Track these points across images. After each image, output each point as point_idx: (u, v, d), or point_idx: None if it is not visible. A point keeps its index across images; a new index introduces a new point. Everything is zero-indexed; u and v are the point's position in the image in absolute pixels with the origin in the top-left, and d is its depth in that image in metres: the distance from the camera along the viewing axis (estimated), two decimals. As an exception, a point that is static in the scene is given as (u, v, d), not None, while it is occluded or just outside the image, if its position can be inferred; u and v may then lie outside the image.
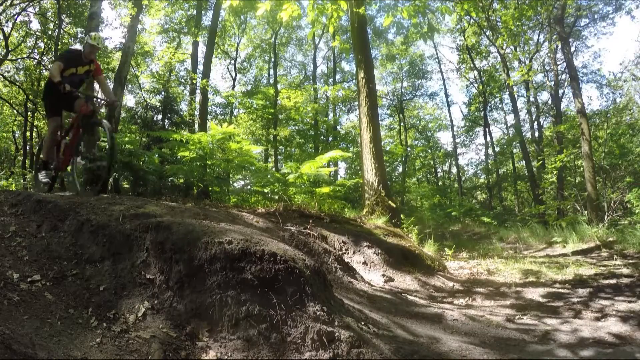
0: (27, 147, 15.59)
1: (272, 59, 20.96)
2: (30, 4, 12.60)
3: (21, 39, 14.22)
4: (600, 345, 1.76)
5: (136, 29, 9.37)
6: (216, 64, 21.14)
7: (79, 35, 13.05)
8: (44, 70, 14.46)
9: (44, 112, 4.72)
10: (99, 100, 4.08)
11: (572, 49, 14.78)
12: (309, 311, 1.41)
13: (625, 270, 3.31)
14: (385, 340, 1.46)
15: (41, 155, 3.87)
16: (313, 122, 18.72)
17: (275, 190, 5.99)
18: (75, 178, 3.66)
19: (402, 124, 21.92)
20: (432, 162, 22.83)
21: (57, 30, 13.20)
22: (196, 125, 13.38)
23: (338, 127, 21.04)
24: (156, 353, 1.29)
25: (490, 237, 7.01)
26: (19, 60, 14.51)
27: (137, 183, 5.90)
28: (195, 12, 15.15)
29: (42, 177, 3.76)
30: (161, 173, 5.97)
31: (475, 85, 19.84)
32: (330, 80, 21.73)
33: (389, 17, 5.43)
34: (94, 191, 3.29)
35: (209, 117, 16.09)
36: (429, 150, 22.12)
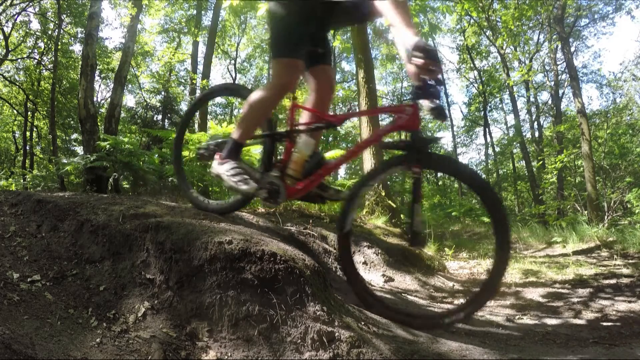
0: (27, 147, 15.59)
1: (272, 59, 20.95)
2: (30, 4, 12.61)
3: (21, 39, 14.23)
4: (601, 345, 1.76)
5: (136, 29, 9.37)
6: (216, 64, 21.17)
7: (79, 35, 13.06)
8: (44, 70, 14.48)
9: None
10: None
11: (572, 49, 14.78)
12: (309, 311, 1.41)
13: (625, 270, 3.31)
14: (385, 340, 1.46)
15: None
16: (313, 122, 18.69)
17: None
18: None
19: (402, 123, 21.89)
20: (432, 162, 22.79)
21: (57, 30, 13.20)
22: (196, 125, 13.39)
23: (338, 127, 21.02)
24: (156, 353, 1.29)
25: (491, 237, 7.01)
26: (19, 60, 14.51)
27: (137, 183, 5.91)
28: (195, 12, 15.16)
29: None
30: (161, 173, 5.97)
31: (475, 85, 19.85)
32: (330, 80, 21.69)
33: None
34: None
35: (209, 117, 16.09)
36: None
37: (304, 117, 2.13)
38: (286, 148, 2.07)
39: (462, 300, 2.27)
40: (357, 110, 6.62)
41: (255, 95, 1.99)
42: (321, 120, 2.02)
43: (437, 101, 1.62)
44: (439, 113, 1.63)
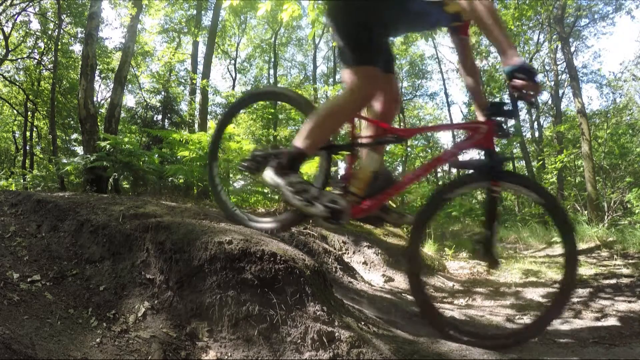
0: (27, 147, 15.59)
1: (272, 59, 20.97)
2: (30, 4, 12.61)
3: (21, 39, 14.24)
4: (601, 345, 1.76)
5: (136, 29, 9.38)
6: (216, 64, 21.17)
7: (79, 35, 13.07)
8: (44, 70, 14.49)
9: None
10: None
11: (572, 49, 14.78)
12: (309, 311, 1.41)
13: (625, 270, 3.31)
14: (385, 340, 1.46)
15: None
16: (313, 122, 18.69)
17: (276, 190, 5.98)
18: None
19: (402, 124, 21.92)
20: (432, 162, 22.80)
21: (57, 30, 13.20)
22: (196, 125, 13.40)
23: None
24: (156, 353, 1.29)
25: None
26: (19, 60, 14.51)
27: (137, 183, 5.91)
28: (195, 12, 15.16)
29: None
30: (161, 173, 5.97)
31: (475, 85, 19.81)
32: (331, 80, 21.73)
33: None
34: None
35: (209, 117, 16.09)
36: (429, 150, 22.12)
37: (367, 130, 1.95)
38: (347, 163, 1.90)
39: (527, 320, 2.18)
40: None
41: (330, 104, 1.83)
42: (388, 133, 1.85)
43: (511, 121, 1.64)
44: (506, 133, 1.69)
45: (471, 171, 1.73)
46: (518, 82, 1.50)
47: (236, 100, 2.49)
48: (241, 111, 2.79)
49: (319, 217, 1.75)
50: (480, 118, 1.89)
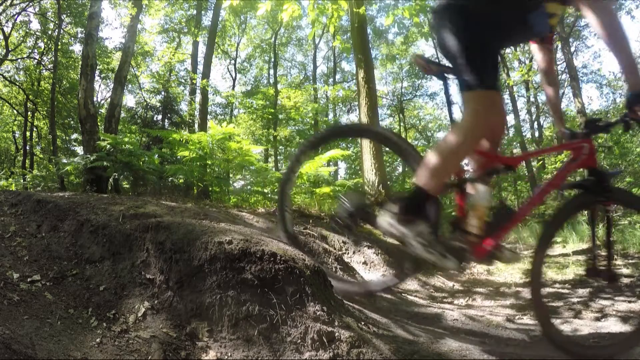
0: (27, 147, 15.59)
1: (272, 59, 20.97)
2: (30, 4, 12.62)
3: (21, 39, 14.23)
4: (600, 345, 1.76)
5: (136, 29, 9.38)
6: (216, 64, 21.16)
7: (79, 35, 13.07)
8: (44, 70, 14.49)
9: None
10: None
11: (572, 49, 14.78)
12: (309, 311, 1.41)
13: (625, 270, 3.31)
14: (385, 340, 1.46)
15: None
16: (313, 122, 18.72)
17: (276, 190, 5.99)
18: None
19: (402, 124, 21.93)
20: (432, 162, 22.77)
21: (57, 30, 13.20)
22: (196, 125, 13.39)
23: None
24: (156, 353, 1.29)
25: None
26: (19, 60, 14.51)
27: (137, 183, 5.91)
28: (195, 12, 15.15)
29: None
30: (161, 173, 5.98)
31: (476, 85, 19.80)
32: (331, 80, 21.74)
33: (390, 16, 5.43)
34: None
35: (209, 117, 16.09)
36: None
37: (472, 161, 1.77)
38: (458, 202, 1.72)
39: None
40: (358, 109, 6.62)
41: (453, 138, 1.58)
42: (497, 163, 1.69)
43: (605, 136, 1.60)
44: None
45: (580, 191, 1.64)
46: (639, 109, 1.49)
47: (326, 131, 2.11)
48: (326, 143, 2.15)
49: (449, 268, 1.65)
50: (562, 129, 1.83)
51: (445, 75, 1.80)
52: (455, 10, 1.60)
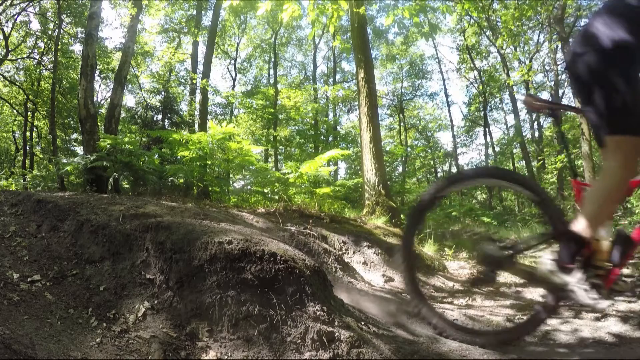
0: (27, 147, 15.58)
1: (272, 59, 20.96)
2: (30, 4, 12.61)
3: (21, 39, 14.23)
4: (601, 346, 1.76)
5: (136, 29, 9.37)
6: (216, 64, 21.15)
7: (79, 35, 13.07)
8: (44, 70, 14.49)
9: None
10: None
11: (572, 49, 14.72)
12: (309, 311, 1.41)
13: (625, 270, 3.30)
14: (385, 340, 1.46)
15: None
16: (313, 122, 18.72)
17: (275, 190, 6.00)
18: None
19: (402, 124, 21.92)
20: (432, 162, 22.84)
21: (57, 30, 13.20)
22: (196, 125, 13.39)
23: (338, 127, 21.04)
24: (156, 353, 1.29)
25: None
26: (19, 60, 14.50)
27: (137, 183, 5.91)
28: (195, 12, 15.15)
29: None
30: (161, 173, 5.98)
31: (475, 85, 19.85)
32: (330, 80, 21.72)
33: (390, 16, 5.43)
34: None
35: (209, 117, 16.09)
36: (429, 150, 22.13)
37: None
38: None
39: None
40: (358, 109, 6.61)
41: (605, 187, 1.56)
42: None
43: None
44: None
45: None
46: None
47: (454, 176, 2.00)
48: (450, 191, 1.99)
49: (602, 310, 1.64)
50: None
51: (555, 112, 1.87)
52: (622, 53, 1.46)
